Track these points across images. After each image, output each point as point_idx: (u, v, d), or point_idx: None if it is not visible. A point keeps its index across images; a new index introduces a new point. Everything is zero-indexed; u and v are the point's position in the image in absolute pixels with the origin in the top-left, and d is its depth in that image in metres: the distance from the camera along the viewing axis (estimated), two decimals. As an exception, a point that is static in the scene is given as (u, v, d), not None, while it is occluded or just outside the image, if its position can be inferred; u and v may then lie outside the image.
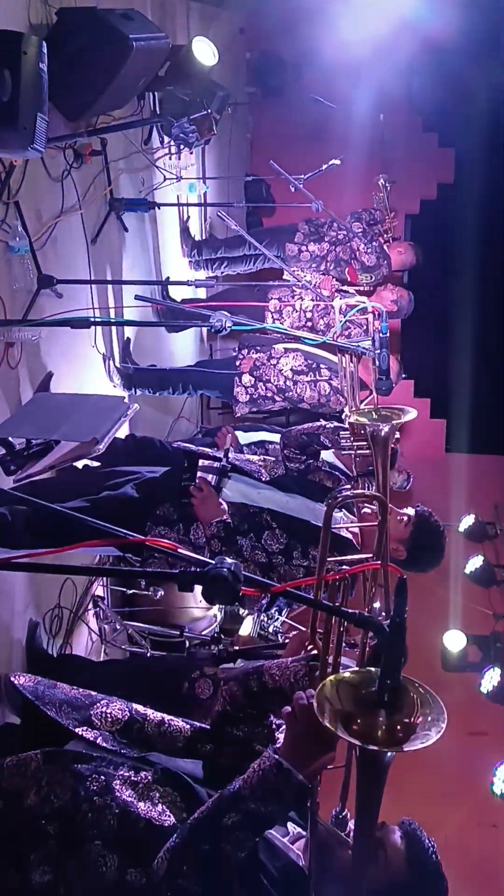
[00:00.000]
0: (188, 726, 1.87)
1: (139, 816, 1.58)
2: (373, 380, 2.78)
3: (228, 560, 1.62)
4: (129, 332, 4.66)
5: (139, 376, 4.52)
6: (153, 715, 1.89)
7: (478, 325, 7.14)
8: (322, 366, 4.21)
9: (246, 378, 4.30)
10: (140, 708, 1.90)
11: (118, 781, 1.64)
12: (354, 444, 2.69)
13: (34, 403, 2.05)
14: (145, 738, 1.83)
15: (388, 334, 2.66)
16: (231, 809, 1.47)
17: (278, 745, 1.57)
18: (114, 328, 4.39)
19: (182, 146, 4.50)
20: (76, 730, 1.79)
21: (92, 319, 2.25)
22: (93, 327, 4.11)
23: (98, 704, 1.87)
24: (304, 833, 1.66)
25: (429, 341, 7.36)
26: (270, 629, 3.92)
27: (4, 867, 1.54)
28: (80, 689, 1.95)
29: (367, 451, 2.52)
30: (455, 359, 7.21)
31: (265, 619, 3.94)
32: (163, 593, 3.98)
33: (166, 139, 4.91)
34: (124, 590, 4.18)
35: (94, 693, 1.94)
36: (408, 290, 5.00)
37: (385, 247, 5.11)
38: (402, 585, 1.58)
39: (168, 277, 5.26)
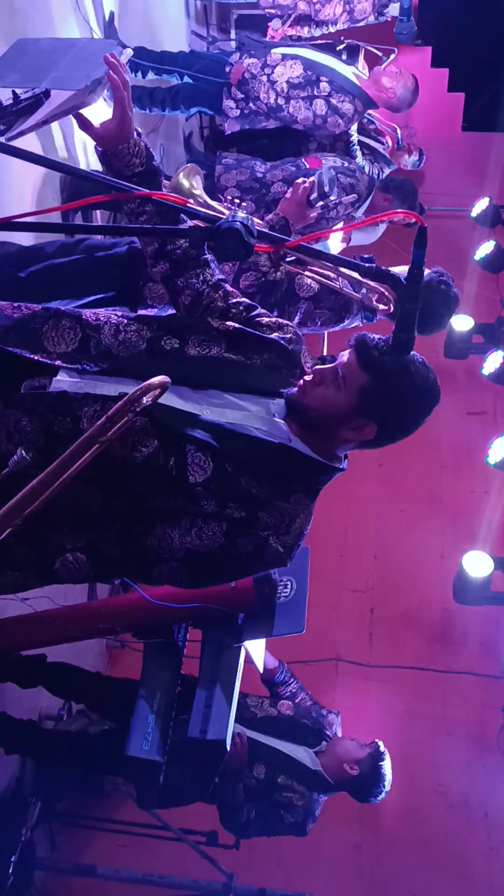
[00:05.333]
0: (145, 327, 1.78)
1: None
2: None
3: (241, 213, 1.56)
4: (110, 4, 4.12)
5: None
6: (104, 317, 1.79)
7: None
8: (322, 79, 3.67)
9: (235, 91, 3.81)
10: (88, 314, 1.80)
11: (84, 421, 1.64)
12: None
13: (15, 50, 1.83)
14: (105, 352, 1.74)
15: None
16: None
17: None
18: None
19: None
20: (33, 356, 1.72)
21: None
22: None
23: (47, 325, 1.75)
24: None
25: (452, -1, 6.45)
26: None
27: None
28: (24, 305, 1.80)
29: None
30: (482, 19, 6.36)
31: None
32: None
33: None
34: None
35: (36, 308, 1.80)
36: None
37: None
38: (422, 235, 1.53)
39: None
